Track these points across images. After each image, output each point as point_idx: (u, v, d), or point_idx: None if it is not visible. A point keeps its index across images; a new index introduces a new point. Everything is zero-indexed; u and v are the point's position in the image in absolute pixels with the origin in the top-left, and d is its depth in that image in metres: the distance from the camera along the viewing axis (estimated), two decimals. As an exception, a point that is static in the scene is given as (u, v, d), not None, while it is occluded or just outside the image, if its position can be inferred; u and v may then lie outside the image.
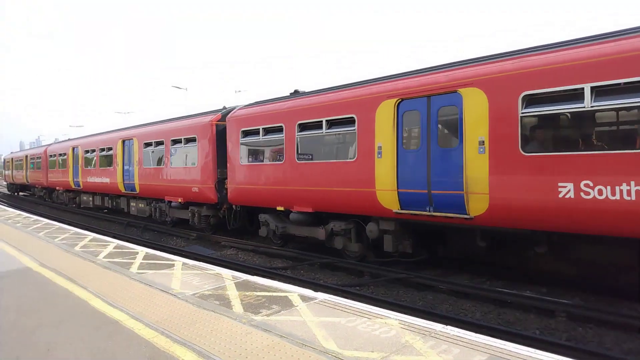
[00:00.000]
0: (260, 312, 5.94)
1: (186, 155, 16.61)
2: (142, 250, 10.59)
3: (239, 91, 51.49)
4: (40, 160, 33.41)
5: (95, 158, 23.91)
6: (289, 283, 7.93)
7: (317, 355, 4.58)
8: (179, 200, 16.90)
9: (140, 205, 20.78)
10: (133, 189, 20.07)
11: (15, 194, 46.22)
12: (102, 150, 23.08)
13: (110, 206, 23.81)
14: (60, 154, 29.05)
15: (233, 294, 6.85)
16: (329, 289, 9.57)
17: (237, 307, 6.20)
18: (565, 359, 4.35)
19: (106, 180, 22.39)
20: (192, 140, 16.20)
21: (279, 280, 8.60)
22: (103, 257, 9.83)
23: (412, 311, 7.78)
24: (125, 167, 20.68)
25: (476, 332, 5.31)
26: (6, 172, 49.52)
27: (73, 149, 26.85)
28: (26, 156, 38.69)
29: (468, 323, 7.43)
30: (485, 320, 7.90)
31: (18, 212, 22.59)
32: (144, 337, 5.23)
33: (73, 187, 26.88)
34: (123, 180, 20.74)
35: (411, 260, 10.90)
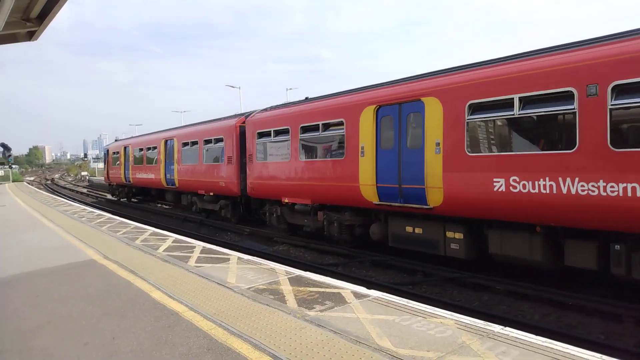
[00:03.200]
0: (314, 308, 5.98)
1: None
2: (199, 245, 10.91)
3: (290, 89, 51.94)
4: (217, 145, 18.70)
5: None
6: (340, 280, 7.94)
7: (372, 352, 4.57)
8: None
9: None
10: None
11: (122, 200, 32.78)
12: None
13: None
14: (308, 128, 13.82)
15: (287, 288, 6.94)
16: (382, 286, 9.50)
17: (291, 301, 6.28)
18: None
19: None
20: None
21: (331, 276, 8.63)
22: (162, 251, 10.20)
23: (468, 312, 7.58)
24: None
25: (535, 334, 5.13)
26: (111, 169, 33.37)
27: (375, 109, 11.55)
28: (165, 141, 23.72)
29: (526, 325, 7.18)
30: (544, 323, 7.62)
31: (83, 206, 23.82)
32: (202, 329, 5.39)
33: (376, 201, 11.50)
34: None
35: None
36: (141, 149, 27.19)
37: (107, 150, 35.14)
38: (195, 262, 8.94)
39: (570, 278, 9.39)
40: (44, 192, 39.10)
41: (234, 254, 9.68)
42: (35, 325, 5.83)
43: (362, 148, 11.79)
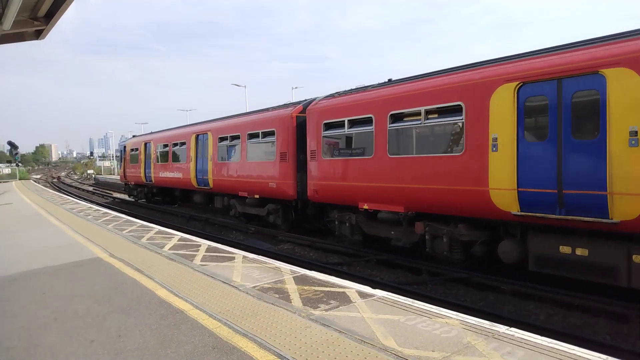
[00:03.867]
0: (319, 307, 5.99)
1: None
2: (204, 243, 10.94)
3: (296, 88, 52.06)
4: (267, 140, 16.13)
5: None
6: (345, 279, 7.95)
7: (377, 352, 4.57)
8: None
9: None
10: None
11: (141, 201, 29.87)
12: None
13: None
14: (403, 116, 11.25)
15: (292, 287, 6.94)
16: (386, 286, 9.49)
17: (296, 301, 6.29)
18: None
19: None
20: None
21: (336, 275, 8.65)
22: (168, 249, 10.23)
23: (473, 312, 7.58)
24: None
25: (541, 335, 5.11)
26: (128, 167, 30.34)
27: (516, 87, 8.90)
28: (197, 136, 21.14)
29: (532, 325, 7.16)
30: (550, 323, 7.60)
31: (89, 204, 23.93)
32: (208, 327, 5.41)
33: (516, 211, 8.84)
34: None
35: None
36: (166, 145, 24.42)
37: (124, 147, 31.96)
38: (201, 261, 8.97)
39: (574, 278, 9.35)
40: (50, 190, 39.30)
41: (239, 253, 9.70)
42: (42, 322, 5.87)
43: (494, 140, 8.97)
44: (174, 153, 23.46)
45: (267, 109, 17.22)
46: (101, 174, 78.58)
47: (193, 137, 21.30)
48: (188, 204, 25.84)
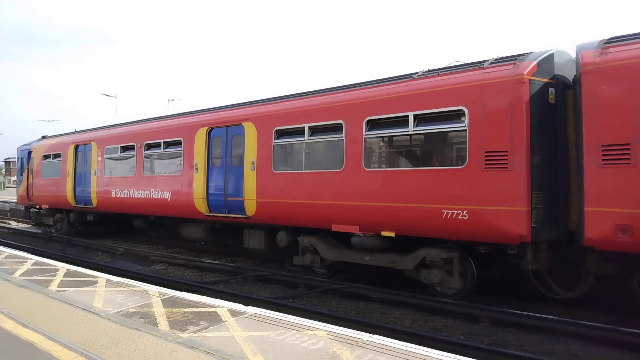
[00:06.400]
0: (187, 329, 5.78)
1: None
2: (63, 267, 10.03)
3: (172, 100, 50.32)
4: (433, 129, 8.76)
5: None
6: (220, 298, 7.81)
7: (244, 370, 4.52)
8: None
9: None
10: None
11: (58, 234, 19.96)
12: None
13: None
14: None
15: (159, 311, 6.63)
16: (262, 302, 9.47)
17: (163, 324, 6.01)
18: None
19: None
20: None
21: (210, 295, 8.45)
22: (19, 275, 9.20)
23: (344, 321, 7.85)
24: None
25: (404, 339, 5.45)
26: (39, 184, 20.56)
27: None
28: (209, 130, 13.00)
29: (396, 331, 7.59)
30: (413, 328, 8.12)
31: None
32: (62, 359, 4.95)
33: None
34: None
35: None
36: (127, 148, 16.00)
37: (29, 153, 21.76)
38: (58, 287, 8.19)
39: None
40: None
41: (103, 276, 9.05)
42: None
43: None
44: (149, 160, 15.25)
45: (410, 76, 9.65)
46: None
47: (202, 132, 13.30)
48: (155, 240, 17.90)
